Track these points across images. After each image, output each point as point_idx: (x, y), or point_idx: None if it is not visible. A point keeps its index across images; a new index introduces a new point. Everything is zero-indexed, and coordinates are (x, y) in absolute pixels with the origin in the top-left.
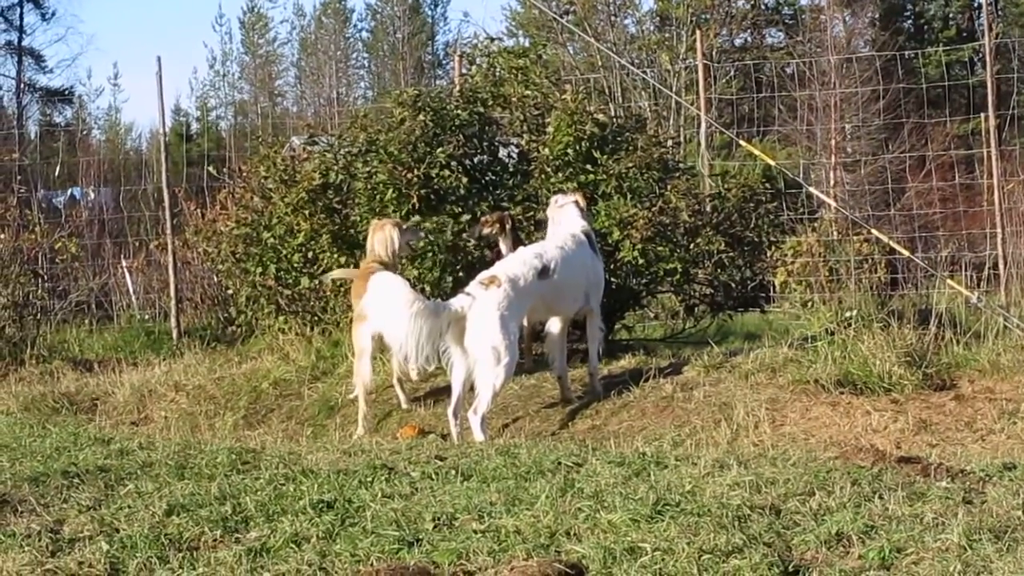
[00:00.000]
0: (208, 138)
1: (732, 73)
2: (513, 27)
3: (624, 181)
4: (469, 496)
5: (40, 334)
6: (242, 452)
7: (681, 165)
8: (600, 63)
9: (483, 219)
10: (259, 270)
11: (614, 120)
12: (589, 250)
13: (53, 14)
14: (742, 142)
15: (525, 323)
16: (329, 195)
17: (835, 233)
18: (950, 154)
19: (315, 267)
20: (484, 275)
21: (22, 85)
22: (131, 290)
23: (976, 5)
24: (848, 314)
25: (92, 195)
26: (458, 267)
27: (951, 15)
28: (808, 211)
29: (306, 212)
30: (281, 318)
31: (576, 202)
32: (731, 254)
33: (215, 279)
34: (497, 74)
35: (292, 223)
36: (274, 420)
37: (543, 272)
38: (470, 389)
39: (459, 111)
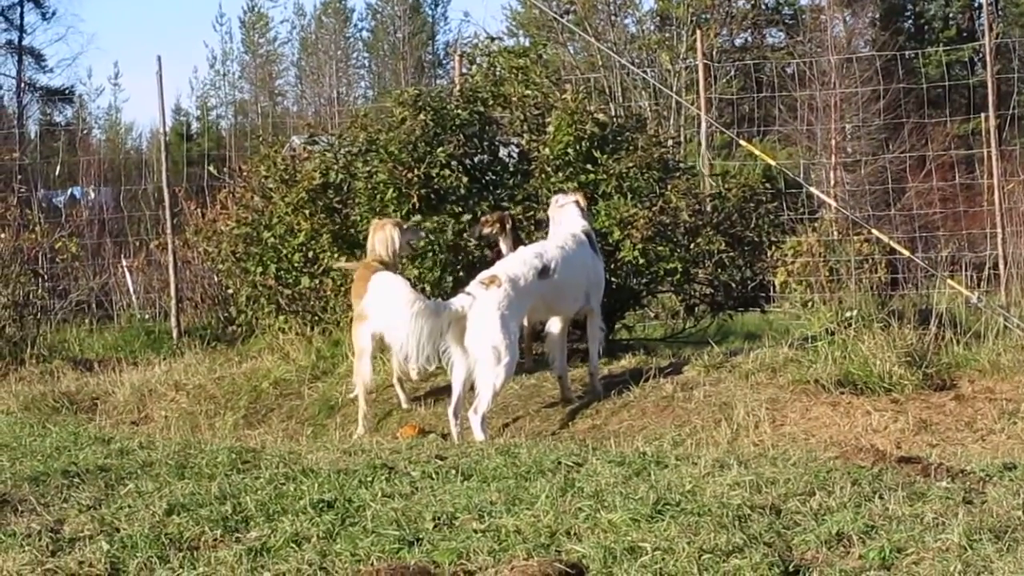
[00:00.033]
0: (208, 137)
1: (732, 73)
2: (513, 27)
3: (624, 181)
4: (469, 496)
5: (40, 333)
6: (242, 452)
7: (681, 165)
8: (600, 63)
9: (483, 219)
10: (259, 270)
11: (614, 120)
12: (589, 250)
13: (53, 13)
14: (742, 142)
15: (525, 323)
16: (329, 195)
17: (835, 233)
18: (950, 154)
19: (315, 267)
20: (484, 275)
21: (22, 84)
22: (131, 290)
23: (976, 5)
24: (848, 314)
25: (92, 195)
26: (458, 267)
27: (951, 15)
28: (808, 211)
29: (306, 212)
30: (281, 318)
31: (577, 202)
32: (731, 254)
33: (215, 279)
34: (497, 74)
35: (292, 223)
36: (274, 420)
37: (543, 272)
38: (470, 389)
39: (459, 111)
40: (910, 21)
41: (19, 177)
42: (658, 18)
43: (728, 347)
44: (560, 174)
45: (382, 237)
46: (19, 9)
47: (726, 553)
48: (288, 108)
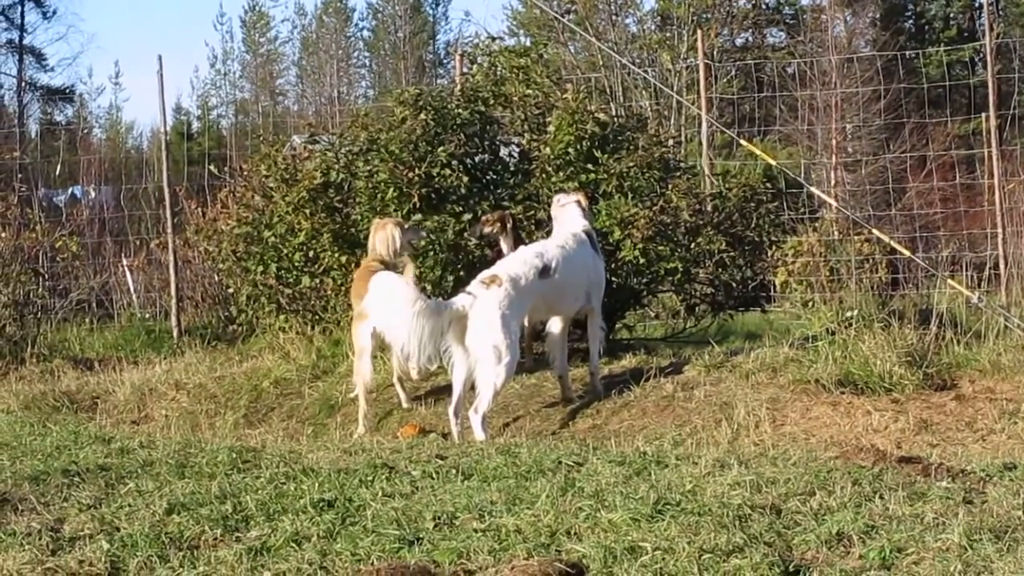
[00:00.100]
0: (209, 137)
1: (733, 73)
2: (514, 26)
3: (625, 180)
4: (470, 495)
5: (41, 333)
6: (243, 451)
7: (682, 164)
8: (601, 62)
9: (484, 218)
10: (260, 269)
11: (615, 119)
12: (590, 249)
13: (54, 12)
14: (743, 142)
15: (526, 322)
16: (330, 194)
17: (836, 233)
18: (951, 154)
19: (316, 266)
20: (485, 274)
21: (23, 83)
22: (132, 289)
23: (977, 5)
24: (849, 314)
25: (93, 194)
26: (459, 266)
27: (952, 15)
28: (809, 211)
29: (307, 211)
30: (282, 317)
31: (578, 201)
32: (732, 254)
33: (216, 278)
34: (498, 73)
35: (293, 222)
36: (275, 419)
37: (544, 271)
38: (471, 388)
39: (460, 110)
40: (911, 21)
41: (20, 176)
42: (659, 18)
43: (729, 347)
44: (561, 173)
45: (383, 236)
46: (20, 8)
47: (726, 553)
48: (289, 107)
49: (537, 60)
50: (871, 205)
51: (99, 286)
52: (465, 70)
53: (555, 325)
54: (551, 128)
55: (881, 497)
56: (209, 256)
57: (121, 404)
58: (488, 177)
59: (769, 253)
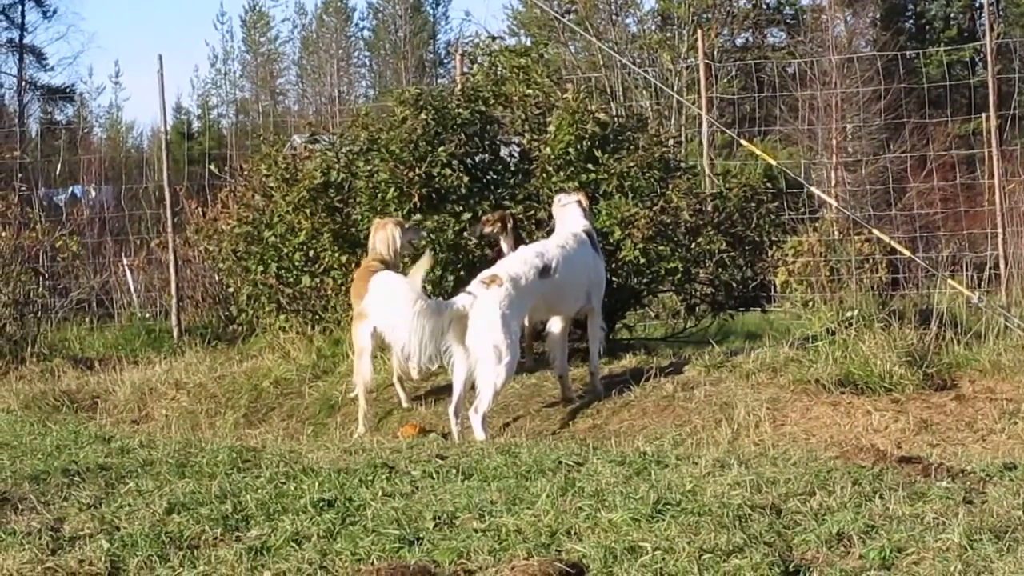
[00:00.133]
0: (209, 136)
1: (733, 72)
2: (515, 26)
3: (625, 180)
4: (470, 495)
5: (41, 332)
6: (243, 450)
7: (682, 164)
8: (602, 62)
9: (484, 218)
10: (260, 268)
11: (615, 119)
12: (590, 249)
13: (54, 12)
14: (743, 141)
15: (526, 322)
16: (330, 194)
17: (836, 233)
18: (951, 154)
19: (316, 266)
20: (485, 274)
21: (23, 83)
22: (132, 288)
23: (977, 5)
24: (849, 314)
25: (93, 193)
26: (459, 266)
27: (952, 15)
28: (809, 211)
29: (307, 211)
30: (282, 316)
31: (579, 201)
32: (732, 253)
33: (216, 277)
34: (499, 73)
35: (293, 222)
36: (275, 419)
37: (544, 271)
38: (471, 388)
39: (460, 110)
40: (911, 21)
41: (20, 175)
42: (659, 18)
43: (729, 347)
44: (561, 173)
45: (383, 236)
46: (20, 7)
47: (726, 553)
48: (289, 107)
49: (537, 60)
50: (871, 205)
51: (99, 285)
52: (465, 70)
53: (555, 325)
54: (551, 128)
55: (881, 497)
56: (209, 256)
57: (121, 404)
58: (488, 177)
59: (769, 253)
